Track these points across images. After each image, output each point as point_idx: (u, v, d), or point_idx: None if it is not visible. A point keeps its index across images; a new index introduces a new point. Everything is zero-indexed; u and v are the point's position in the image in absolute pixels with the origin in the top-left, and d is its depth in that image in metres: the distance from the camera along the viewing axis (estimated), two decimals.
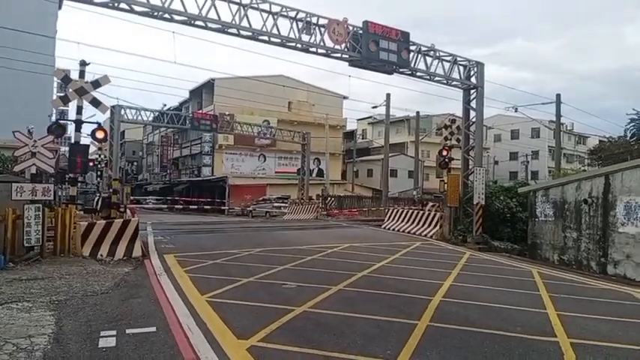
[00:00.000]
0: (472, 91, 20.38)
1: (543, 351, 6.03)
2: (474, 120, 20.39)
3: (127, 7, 13.44)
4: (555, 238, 15.65)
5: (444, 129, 21.96)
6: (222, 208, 44.41)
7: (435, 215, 20.32)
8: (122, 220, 12.68)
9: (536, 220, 16.47)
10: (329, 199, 39.24)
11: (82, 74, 13.65)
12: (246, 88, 42.33)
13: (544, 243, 16.05)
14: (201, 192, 48.88)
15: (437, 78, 19.53)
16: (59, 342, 5.75)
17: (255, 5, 15.13)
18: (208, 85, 50.05)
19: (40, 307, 7.26)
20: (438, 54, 19.22)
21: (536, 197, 16.60)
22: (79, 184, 15.50)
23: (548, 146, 61.54)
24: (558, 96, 35.52)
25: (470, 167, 20.10)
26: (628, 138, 35.99)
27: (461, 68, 20.03)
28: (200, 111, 47.17)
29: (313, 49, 16.68)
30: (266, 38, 15.66)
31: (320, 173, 50.53)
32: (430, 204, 22.38)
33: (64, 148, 36.65)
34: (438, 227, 19.70)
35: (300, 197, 39.59)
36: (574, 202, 15.12)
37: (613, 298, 9.77)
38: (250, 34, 15.32)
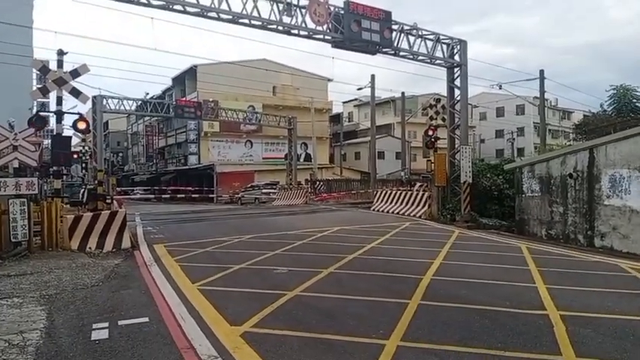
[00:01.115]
0: (456, 70, 20.35)
1: (533, 324, 6.11)
2: (458, 99, 20.40)
3: None
4: (542, 213, 15.81)
5: (429, 108, 21.97)
6: (211, 196, 44.22)
7: (423, 195, 20.41)
8: (109, 211, 12.57)
9: (523, 196, 16.61)
10: (318, 183, 39.24)
11: (60, 64, 13.35)
12: (229, 73, 41.88)
13: (531, 218, 16.21)
14: (189, 181, 48.59)
15: (420, 57, 19.46)
16: (51, 336, 5.71)
17: None
18: (191, 72, 49.43)
19: (31, 302, 7.19)
20: (420, 33, 19.13)
21: (522, 173, 16.72)
22: (64, 176, 15.31)
23: (534, 122, 61.87)
24: (542, 72, 35.63)
25: (456, 146, 20.15)
26: (609, 112, 36.36)
27: (444, 47, 19.96)
28: (183, 98, 46.66)
29: (295, 31, 16.50)
30: (246, 21, 15.46)
31: (307, 158, 50.44)
32: (418, 184, 22.47)
33: (47, 141, 36.14)
34: (426, 207, 19.81)
35: (289, 182, 39.53)
36: (559, 176, 15.25)
37: (601, 270, 9.92)
38: (230, 17, 15.10)
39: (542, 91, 35.81)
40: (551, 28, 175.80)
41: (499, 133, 66.94)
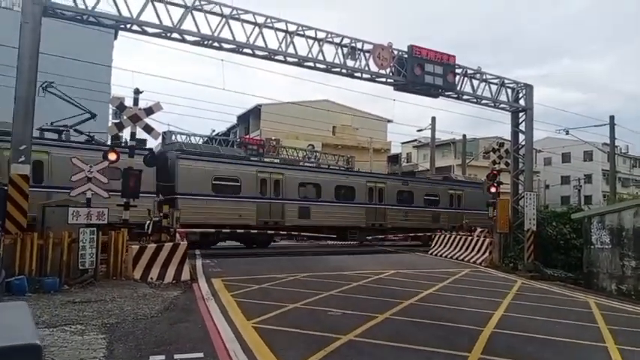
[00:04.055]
0: (521, 114, 19.98)
1: None
2: (523, 143, 19.93)
3: (178, 37, 14.01)
4: (613, 266, 14.92)
5: (492, 152, 21.52)
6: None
7: (484, 241, 19.78)
8: (172, 243, 12.95)
9: (592, 247, 15.78)
10: None
11: (135, 102, 14.12)
12: (291, 113, 42.92)
13: (601, 272, 15.32)
14: None
15: (484, 101, 19.27)
16: None
17: (302, 32, 15.46)
18: (255, 111, 50.99)
19: (93, 330, 7.44)
20: (484, 77, 19.00)
21: (591, 223, 15.94)
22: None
23: (602, 170, 59.24)
24: (612, 118, 34.37)
25: (520, 192, 19.56)
26: None
27: (509, 91, 19.71)
28: (247, 136, 48.05)
29: (358, 74, 16.81)
30: (312, 64, 15.93)
31: None
32: (479, 229, 21.82)
33: None
34: (487, 254, 19.15)
35: None
36: (632, 228, 14.43)
37: None
38: (296, 60, 15.62)
39: (612, 138, 34.44)
40: (621, 73, 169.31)
41: (565, 180, 64.35)
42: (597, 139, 44.83)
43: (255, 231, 22.63)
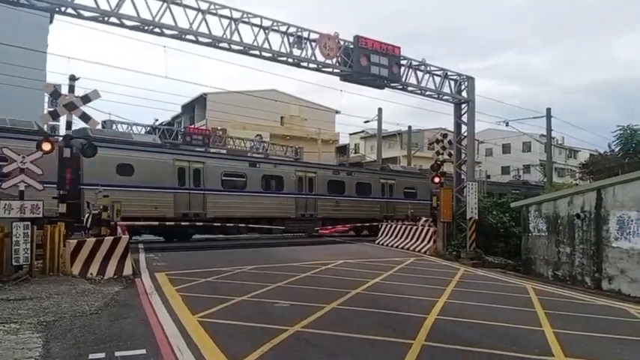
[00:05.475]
0: (463, 106, 20.45)
1: None
2: (465, 134, 20.44)
3: (117, 22, 13.39)
4: (549, 253, 15.60)
5: (435, 143, 21.96)
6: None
7: (428, 231, 20.23)
8: (112, 237, 12.49)
9: (530, 235, 16.43)
10: None
11: (71, 89, 13.46)
12: (238, 102, 42.31)
13: (538, 258, 15.99)
14: None
15: (428, 92, 19.58)
16: None
17: (247, 19, 15.16)
18: (200, 100, 49.90)
19: (28, 328, 7.07)
20: (428, 68, 19.30)
21: (528, 212, 16.58)
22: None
23: (540, 160, 61.90)
24: (549, 110, 35.85)
25: (463, 182, 20.11)
26: (616, 152, 36.21)
27: (452, 82, 20.11)
28: (192, 126, 47.01)
29: (304, 64, 16.69)
30: (257, 52, 15.67)
31: None
32: (423, 219, 22.29)
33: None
34: (431, 243, 19.61)
35: None
36: (567, 216, 15.11)
37: (609, 315, 9.72)
38: (241, 48, 15.32)
39: (549, 129, 35.94)
40: (559, 67, 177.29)
41: (505, 170, 66.87)
42: (535, 131, 46.73)
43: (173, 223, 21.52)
